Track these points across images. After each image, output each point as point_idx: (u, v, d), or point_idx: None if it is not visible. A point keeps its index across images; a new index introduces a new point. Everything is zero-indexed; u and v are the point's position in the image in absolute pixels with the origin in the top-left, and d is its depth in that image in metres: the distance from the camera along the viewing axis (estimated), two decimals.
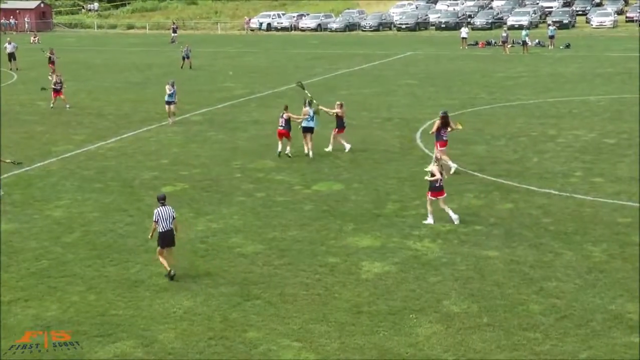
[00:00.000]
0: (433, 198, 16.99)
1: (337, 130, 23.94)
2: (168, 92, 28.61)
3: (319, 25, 78.43)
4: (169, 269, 14.06)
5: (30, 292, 13.62)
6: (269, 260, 14.98)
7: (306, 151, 23.39)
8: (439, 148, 20.58)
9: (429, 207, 17.04)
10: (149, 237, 14.74)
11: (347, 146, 23.93)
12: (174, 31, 68.76)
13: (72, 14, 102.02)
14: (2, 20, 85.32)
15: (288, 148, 23.30)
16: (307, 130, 23.36)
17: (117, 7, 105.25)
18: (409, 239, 15.98)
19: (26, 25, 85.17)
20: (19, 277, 14.30)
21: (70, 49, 64.44)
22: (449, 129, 20.82)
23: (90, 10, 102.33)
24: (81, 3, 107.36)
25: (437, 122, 20.82)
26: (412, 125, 28.02)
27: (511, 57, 50.67)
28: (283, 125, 23.09)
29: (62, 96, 32.29)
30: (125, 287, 13.78)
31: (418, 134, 26.07)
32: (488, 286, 13.56)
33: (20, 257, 15.37)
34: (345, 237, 16.20)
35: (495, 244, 15.61)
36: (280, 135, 23.23)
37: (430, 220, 16.99)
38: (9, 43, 47.91)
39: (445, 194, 17.05)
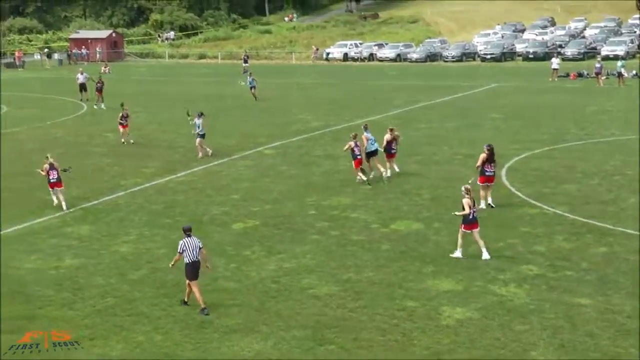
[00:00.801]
0: (466, 231, 17.31)
1: (387, 155, 25.32)
2: (197, 124, 29.41)
3: (399, 55, 78.63)
4: (203, 305, 14.58)
5: (96, 331, 13.91)
6: (343, 302, 14.95)
7: (381, 173, 24.94)
8: (479, 182, 21.25)
9: (459, 240, 17.35)
10: (170, 265, 15.38)
11: (386, 172, 25.13)
12: (245, 61, 69.96)
13: (144, 43, 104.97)
14: (73, 51, 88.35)
15: (372, 174, 24.84)
16: (372, 154, 24.90)
17: (189, 36, 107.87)
18: (494, 284, 15.73)
19: (97, 55, 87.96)
20: (84, 315, 14.63)
21: (141, 79, 66.29)
22: (493, 164, 21.38)
23: (167, 39, 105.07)
24: (152, 32, 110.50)
25: (483, 156, 21.33)
26: (497, 161, 27.66)
27: (605, 90, 49.73)
28: (359, 153, 24.37)
29: (126, 129, 32.86)
30: (192, 328, 13.94)
31: (503, 171, 25.76)
32: (580, 337, 13.21)
33: (85, 293, 15.74)
34: (424, 280, 16.06)
35: (588, 291, 15.23)
36: (359, 163, 24.44)
37: (458, 253, 17.28)
38: (81, 74, 49.53)
39: (478, 227, 17.30)
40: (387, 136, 25.33)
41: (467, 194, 17.40)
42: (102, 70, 71.09)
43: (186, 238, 14.74)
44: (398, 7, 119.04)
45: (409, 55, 78.13)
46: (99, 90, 45.47)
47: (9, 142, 33.89)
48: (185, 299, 14.99)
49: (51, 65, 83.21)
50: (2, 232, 20.14)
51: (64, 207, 22.26)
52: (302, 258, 17.64)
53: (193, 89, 55.27)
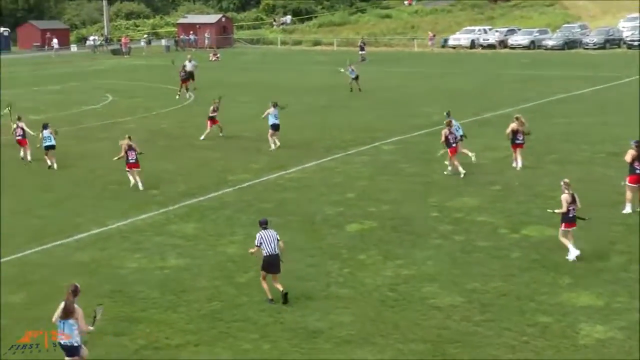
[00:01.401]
0: (567, 229, 17.43)
1: (513, 146, 26.05)
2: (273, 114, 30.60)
3: (532, 42, 77.12)
4: (270, 296, 15.46)
5: (201, 337, 14.18)
6: (467, 315, 14.74)
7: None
8: (627, 183, 21.00)
9: (562, 240, 17.45)
10: (249, 252, 16.10)
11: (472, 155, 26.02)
12: (362, 49, 70.05)
13: (254, 28, 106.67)
14: (181, 36, 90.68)
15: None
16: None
17: (302, 21, 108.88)
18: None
19: (206, 42, 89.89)
20: (189, 319, 14.95)
21: (251, 67, 67.43)
22: None
23: (283, 23, 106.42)
24: (264, 17, 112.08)
25: (632, 153, 20.99)
26: None
27: None
28: (454, 142, 25.26)
29: (218, 124, 33.36)
30: (302, 337, 14.03)
31: None
32: None
33: (190, 296, 16.08)
34: (560, 293, 15.64)
35: None
36: (454, 152, 25.34)
37: (573, 254, 17.27)
38: (189, 61, 50.76)
39: (575, 226, 17.42)
40: (513, 125, 25.62)
41: (567, 188, 17.53)
42: (211, 58, 72.76)
43: (262, 231, 15.58)
44: None
45: (544, 42, 76.52)
46: (184, 80, 46.51)
47: (116, 132, 35.04)
48: (272, 298, 15.55)
49: (150, 52, 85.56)
50: (107, 227, 20.83)
51: (140, 186, 24.49)
52: (423, 264, 17.49)
53: (306, 78, 55.81)
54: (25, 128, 29.79)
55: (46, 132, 28.61)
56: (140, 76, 56.60)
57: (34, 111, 41.48)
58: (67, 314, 12.22)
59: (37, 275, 17.42)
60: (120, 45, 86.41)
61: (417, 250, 18.43)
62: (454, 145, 25.26)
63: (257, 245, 15.54)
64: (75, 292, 12.42)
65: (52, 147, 28.50)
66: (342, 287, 16.38)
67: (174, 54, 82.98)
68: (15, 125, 29.83)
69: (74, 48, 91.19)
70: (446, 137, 25.18)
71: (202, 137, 32.95)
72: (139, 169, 24.93)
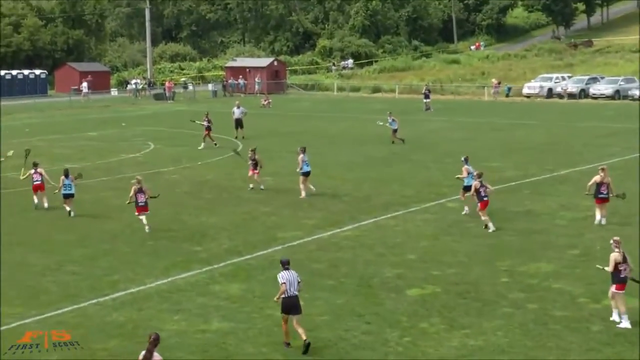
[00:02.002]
0: (618, 292, 17.53)
1: (596, 200, 26.68)
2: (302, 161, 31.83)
3: (617, 91, 76.59)
4: (288, 341, 16.62)
5: None
6: None
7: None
8: None
9: (613, 303, 17.68)
10: (275, 299, 17.03)
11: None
12: (426, 96, 70.29)
13: (309, 73, 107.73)
14: (229, 81, 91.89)
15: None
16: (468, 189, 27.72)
17: (362, 66, 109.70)
18: None
19: (256, 87, 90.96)
20: None
21: (305, 115, 67.96)
22: None
23: (344, 68, 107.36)
24: (319, 61, 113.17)
25: None
26: None
27: None
28: (485, 195, 26.35)
29: (256, 175, 33.70)
30: None
31: None
32: None
33: None
34: None
35: None
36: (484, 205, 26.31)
37: (625, 322, 17.44)
38: (237, 107, 51.44)
39: (624, 289, 17.53)
40: (597, 177, 26.37)
41: (617, 247, 17.71)
42: (262, 104, 73.58)
43: (284, 271, 16.73)
44: (618, 32, 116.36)
45: (630, 92, 75.87)
46: (208, 129, 46.95)
47: (157, 183, 35.51)
48: (304, 337, 16.46)
49: (186, 97, 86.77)
50: (145, 286, 21.04)
51: (147, 229, 26.32)
52: (492, 335, 17.32)
53: (364, 128, 56.05)
54: (44, 174, 30.85)
55: (67, 180, 29.38)
56: (184, 123, 57.28)
57: (71, 159, 42.30)
58: None
59: (70, 337, 17.60)
60: (164, 89, 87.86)
61: (485, 320, 18.27)
62: (485, 198, 26.34)
63: (282, 282, 16.61)
64: (156, 342, 13.06)
65: (71, 195, 29.41)
66: (402, 357, 16.28)
67: (221, 99, 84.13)
68: (32, 171, 30.85)
69: (114, 92, 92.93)
70: (477, 190, 26.37)
71: (250, 186, 33.45)
72: (148, 213, 26.67)
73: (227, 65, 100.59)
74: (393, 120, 48.06)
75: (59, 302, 19.87)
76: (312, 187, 32.34)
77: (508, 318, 18.36)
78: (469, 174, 28.23)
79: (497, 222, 27.31)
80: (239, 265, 22.96)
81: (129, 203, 27.40)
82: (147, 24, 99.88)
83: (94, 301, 19.93)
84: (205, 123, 47.26)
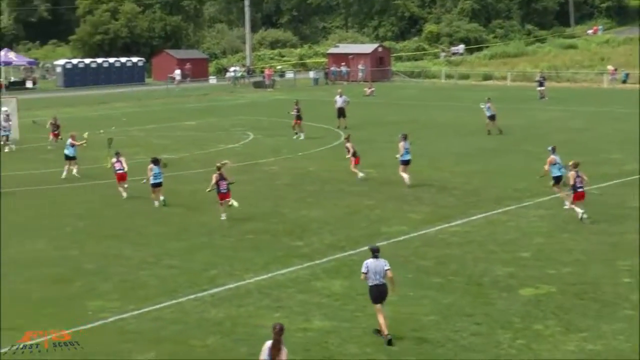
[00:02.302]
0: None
1: None
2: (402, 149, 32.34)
3: None
4: (386, 332, 16.94)
5: None
6: None
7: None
8: None
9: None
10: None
11: None
12: (540, 84, 69.21)
13: (415, 59, 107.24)
14: (331, 68, 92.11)
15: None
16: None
17: (471, 51, 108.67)
18: None
19: (359, 74, 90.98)
20: None
21: (410, 103, 67.73)
22: None
23: (455, 53, 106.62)
24: (426, 47, 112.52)
25: None
26: None
27: None
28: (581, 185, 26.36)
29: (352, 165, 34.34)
30: None
31: None
32: None
33: None
34: None
35: None
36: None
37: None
38: (340, 96, 51.53)
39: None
40: None
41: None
42: (366, 92, 73.60)
43: (371, 259, 17.28)
44: None
45: None
46: (298, 118, 47.05)
47: (257, 174, 35.91)
48: (378, 329, 17.08)
49: (287, 85, 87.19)
50: (244, 282, 21.27)
51: (223, 217, 27.43)
52: (612, 339, 16.97)
53: (473, 118, 55.49)
54: (124, 163, 31.60)
55: (156, 169, 29.95)
56: (285, 112, 57.63)
57: (168, 149, 43.01)
58: (276, 355, 13.21)
59: (168, 332, 17.92)
60: (263, 77, 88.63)
61: (604, 322, 17.90)
62: (580, 189, 26.37)
63: (363, 272, 17.29)
64: (282, 331, 13.40)
65: (159, 184, 29.98)
66: None
67: (323, 87, 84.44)
68: (114, 160, 31.70)
69: (212, 80, 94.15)
70: (574, 181, 26.31)
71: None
72: (229, 200, 27.42)
73: (329, 51, 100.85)
74: (489, 107, 47.45)
75: (157, 296, 20.22)
76: (407, 178, 32.51)
77: (630, 321, 17.95)
78: (555, 164, 28.43)
79: (618, 219, 26.80)
80: (342, 261, 22.99)
81: (209, 191, 28.12)
82: (247, 9, 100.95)
83: (192, 296, 20.22)
84: (294, 112, 47.48)
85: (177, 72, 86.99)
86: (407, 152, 32.64)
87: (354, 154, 34.33)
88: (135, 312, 19.12)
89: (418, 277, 21.35)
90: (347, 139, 35.33)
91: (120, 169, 31.57)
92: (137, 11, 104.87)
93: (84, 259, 23.65)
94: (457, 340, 17.07)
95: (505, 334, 17.40)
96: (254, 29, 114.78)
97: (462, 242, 24.76)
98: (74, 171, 35.78)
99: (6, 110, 46.47)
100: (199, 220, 28.05)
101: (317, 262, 22.87)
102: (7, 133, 43.29)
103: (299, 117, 47.47)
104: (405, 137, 32.83)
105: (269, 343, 13.36)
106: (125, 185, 31.60)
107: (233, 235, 26.16)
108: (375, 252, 17.48)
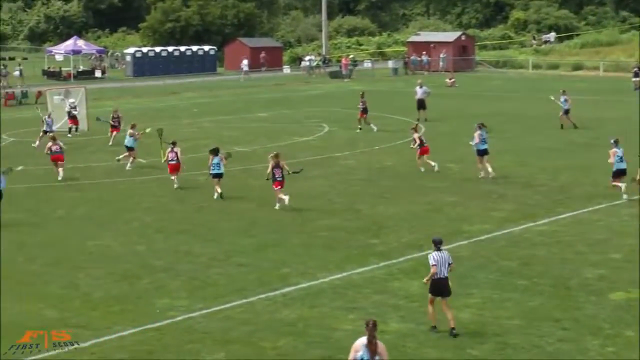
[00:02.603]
0: None
1: None
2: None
3: None
4: (434, 324, 17.69)
5: None
6: None
7: None
8: None
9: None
10: (425, 281, 18.15)
11: None
12: (636, 74, 68.02)
13: (501, 48, 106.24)
14: (411, 57, 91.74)
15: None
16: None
17: (561, 40, 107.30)
18: None
19: (440, 64, 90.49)
20: None
21: (495, 95, 67.15)
22: None
23: (546, 42, 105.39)
24: (512, 35, 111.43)
25: None
26: None
27: None
28: None
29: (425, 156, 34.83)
30: None
31: None
32: None
33: None
34: None
35: None
36: None
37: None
38: (420, 87, 51.29)
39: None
40: None
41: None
42: (448, 83, 73.19)
43: (436, 252, 17.81)
44: None
45: None
46: (364, 111, 46.89)
47: (332, 168, 35.94)
48: (452, 325, 17.59)
49: (365, 75, 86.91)
50: (318, 281, 21.32)
51: (287, 202, 28.14)
52: None
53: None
54: (179, 154, 32.12)
55: (216, 159, 30.25)
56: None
57: (240, 142, 43.30)
58: (374, 351, 13.50)
59: (238, 333, 18.05)
60: (340, 66, 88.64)
61: None
62: None
63: (433, 265, 17.72)
64: (376, 326, 13.72)
65: (219, 175, 30.32)
66: None
67: (402, 77, 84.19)
68: (169, 150, 32.23)
69: (286, 69, 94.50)
70: None
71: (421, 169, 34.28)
72: (283, 188, 28.38)
73: (409, 40, 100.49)
74: (565, 99, 46.86)
75: (226, 295, 20.39)
76: (490, 169, 32.85)
77: None
78: (617, 157, 29.29)
79: None
80: (420, 261, 22.82)
81: (267, 179, 28.78)
82: None
83: (262, 296, 20.34)
84: (360, 105, 47.40)
85: (245, 62, 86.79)
86: (484, 141, 32.89)
87: (421, 144, 34.57)
88: (204, 311, 19.31)
89: (501, 279, 21.19)
90: (414, 129, 35.61)
91: (172, 160, 32.16)
92: None
93: (151, 255, 23.95)
94: (543, 346, 16.91)
95: (594, 340, 17.19)
96: (331, 16, 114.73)
97: (548, 242, 24.52)
98: (128, 165, 36.51)
99: (73, 102, 47.18)
100: (270, 216, 28.18)
101: (394, 261, 22.83)
102: (48, 128, 43.56)
103: (364, 111, 47.33)
104: (481, 126, 33.24)
105: (362, 340, 13.64)
106: (174, 177, 32.23)
107: (306, 232, 26.24)
108: (438, 244, 18.02)
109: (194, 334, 18.08)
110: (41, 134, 42.05)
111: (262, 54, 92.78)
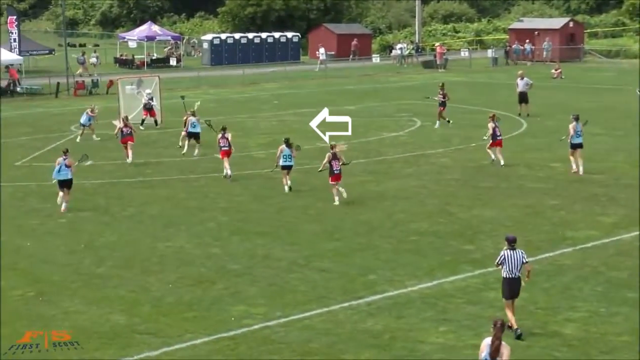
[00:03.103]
0: None
1: None
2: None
3: None
4: (515, 326, 18.10)
5: None
6: None
7: None
8: None
9: None
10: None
11: None
12: None
13: (613, 37, 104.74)
14: (513, 46, 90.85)
15: None
16: None
17: None
18: None
19: (544, 53, 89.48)
20: None
21: (605, 88, 66.19)
22: None
23: None
24: (626, 21, 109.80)
25: None
26: None
27: None
28: None
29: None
30: None
31: None
32: None
33: None
34: None
35: None
36: None
37: None
38: (521, 78, 50.80)
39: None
40: None
41: None
42: (553, 74, 72.34)
43: (509, 250, 18.35)
44: None
45: None
46: (442, 105, 46.56)
47: (424, 167, 35.82)
48: (515, 326, 18.16)
49: (455, 66, 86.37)
50: (406, 289, 21.30)
51: (344, 195, 29.39)
52: None
53: None
54: (229, 140, 33.47)
55: (287, 150, 31.10)
56: (457, 96, 57.20)
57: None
58: (495, 351, 13.86)
59: (318, 344, 18.11)
60: (434, 55, 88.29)
61: None
62: None
63: (498, 264, 18.50)
64: (503, 327, 14.14)
65: (289, 167, 31.44)
66: None
67: (502, 68, 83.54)
68: (219, 136, 33.44)
69: (375, 59, 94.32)
70: None
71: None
72: (340, 182, 29.57)
73: (511, 27, 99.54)
74: None
75: (307, 303, 20.48)
76: (581, 166, 33.59)
77: None
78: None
79: None
80: None
81: (320, 171, 30.16)
82: None
83: (345, 304, 20.38)
84: (440, 98, 47.11)
85: (322, 50, 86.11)
86: (578, 134, 33.34)
87: (494, 136, 35.21)
88: (282, 320, 19.43)
89: (609, 291, 20.94)
90: (492, 118, 35.95)
91: (224, 146, 33.38)
92: None
93: (227, 258, 24.16)
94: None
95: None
96: (425, 0, 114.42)
97: None
98: (196, 152, 38.03)
99: (149, 93, 47.74)
100: (356, 218, 28.22)
101: (490, 269, 22.58)
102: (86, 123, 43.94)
103: (443, 104, 47.06)
104: (577, 118, 33.71)
105: (487, 340, 14.01)
106: (227, 164, 33.62)
107: (394, 236, 26.22)
108: (512, 243, 18.46)
109: (270, 344, 18.20)
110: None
111: (354, 41, 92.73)
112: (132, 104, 48.58)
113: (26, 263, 24.02)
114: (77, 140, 42.57)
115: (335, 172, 29.45)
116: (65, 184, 29.36)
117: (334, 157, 29.48)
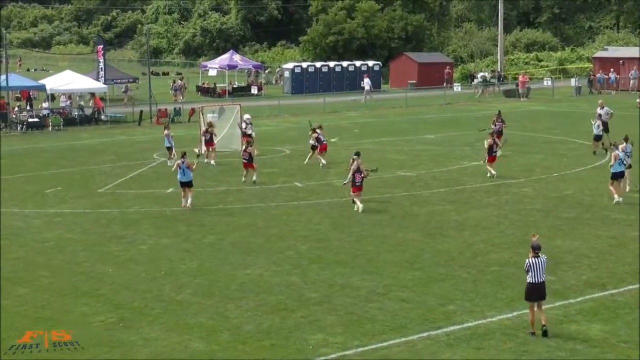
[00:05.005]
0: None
1: None
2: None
3: None
4: (533, 330, 19.86)
5: None
6: None
7: None
8: None
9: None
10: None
11: None
12: None
13: None
14: (597, 75, 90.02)
15: None
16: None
17: None
18: None
19: (630, 82, 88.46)
20: None
21: None
22: None
23: None
24: None
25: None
26: None
27: None
28: None
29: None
30: None
31: None
32: None
33: None
34: None
35: None
36: None
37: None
38: (601, 107, 50.22)
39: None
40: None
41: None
42: (638, 103, 71.27)
43: (533, 258, 19.96)
44: None
45: None
46: (499, 133, 46.14)
47: (505, 196, 35.61)
48: (543, 323, 19.74)
49: (538, 95, 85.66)
50: (485, 320, 21.17)
51: (360, 209, 31.92)
52: None
53: None
54: (253, 154, 37.68)
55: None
56: (541, 126, 57.02)
57: (405, 165, 43.48)
58: None
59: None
60: (516, 84, 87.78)
61: None
62: None
63: (525, 270, 20.11)
64: None
65: (359, 187, 32.96)
66: None
67: (586, 97, 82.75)
68: (243, 148, 37.67)
69: (457, 87, 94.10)
70: None
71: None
72: (361, 192, 32.15)
73: (595, 55, 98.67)
74: None
75: (385, 332, 20.46)
76: (621, 193, 34.01)
77: None
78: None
79: None
80: (602, 302, 22.48)
81: (345, 184, 33.63)
82: (500, 6, 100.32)
83: (424, 334, 20.32)
84: (493, 127, 46.70)
85: (367, 80, 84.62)
86: (620, 162, 33.76)
87: (490, 151, 38.67)
88: (360, 349, 19.43)
89: None
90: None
91: (245, 159, 37.52)
92: (376, 9, 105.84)
93: (306, 286, 24.22)
94: None
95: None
96: (508, 28, 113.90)
97: None
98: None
99: (248, 118, 48.20)
100: (436, 248, 28.13)
101: (572, 301, 22.47)
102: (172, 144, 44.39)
103: (500, 132, 46.57)
104: (626, 139, 34.99)
105: None
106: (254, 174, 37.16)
107: (475, 266, 26.08)
108: (537, 250, 20.09)
109: None
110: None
111: (447, 69, 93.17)
112: (234, 131, 48.83)
113: (108, 289, 24.31)
114: (168, 163, 42.94)
115: (357, 184, 32.18)
116: (187, 184, 33.36)
117: (358, 170, 31.92)
